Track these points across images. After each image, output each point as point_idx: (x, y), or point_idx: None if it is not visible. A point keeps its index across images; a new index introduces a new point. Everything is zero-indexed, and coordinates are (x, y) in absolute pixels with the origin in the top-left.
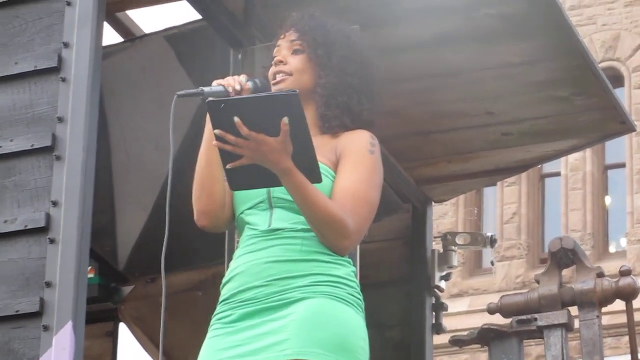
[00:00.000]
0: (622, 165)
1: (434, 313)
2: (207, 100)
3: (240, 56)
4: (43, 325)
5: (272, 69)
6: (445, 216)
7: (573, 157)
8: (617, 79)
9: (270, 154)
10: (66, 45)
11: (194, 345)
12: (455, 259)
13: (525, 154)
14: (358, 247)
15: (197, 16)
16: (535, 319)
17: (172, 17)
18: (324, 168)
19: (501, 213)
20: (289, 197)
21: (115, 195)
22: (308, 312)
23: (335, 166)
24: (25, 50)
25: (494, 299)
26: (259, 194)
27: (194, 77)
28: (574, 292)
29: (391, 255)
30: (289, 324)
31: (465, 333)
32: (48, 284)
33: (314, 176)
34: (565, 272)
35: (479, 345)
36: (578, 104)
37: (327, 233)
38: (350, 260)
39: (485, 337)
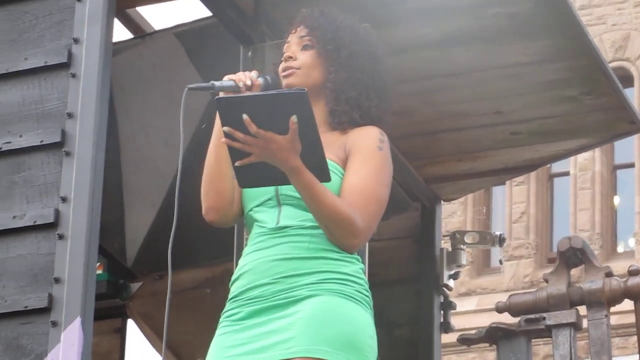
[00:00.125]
0: (631, 165)
1: (442, 312)
2: (215, 98)
3: (250, 53)
4: (51, 321)
5: (282, 65)
6: (454, 215)
7: (582, 157)
8: (627, 79)
9: (278, 152)
10: (76, 41)
11: (202, 343)
12: (464, 257)
13: (534, 154)
14: (367, 244)
15: (207, 13)
16: (544, 318)
17: (182, 14)
18: (333, 165)
19: (510, 212)
20: (297, 195)
21: (125, 191)
22: (315, 310)
23: (344, 163)
24: (35, 46)
25: (502, 298)
26: (268, 191)
27: (204, 74)
28: (582, 291)
29: (400, 254)
30: (296, 321)
31: (473, 332)
32: (57, 280)
33: (323, 175)
34: (574, 272)
35: (487, 344)
36: (587, 103)
37: (336, 231)
38: (359, 257)
39: (494, 336)
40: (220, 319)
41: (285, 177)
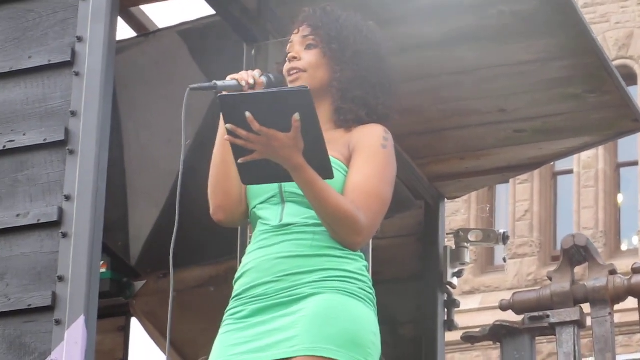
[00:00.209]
0: (635, 163)
1: (446, 310)
2: (218, 96)
3: (253, 51)
4: (55, 320)
5: (287, 66)
6: (457, 213)
7: (585, 155)
8: (630, 77)
9: (281, 149)
10: (80, 39)
11: (206, 341)
12: (468, 255)
13: (537, 152)
14: (370, 242)
15: (210, 11)
16: (548, 316)
17: (185, 13)
18: (337, 163)
19: (513, 210)
20: (300, 192)
21: (128, 190)
22: (318, 308)
23: (348, 161)
24: (39, 45)
25: (506, 296)
26: (271, 188)
27: (207, 72)
28: (586, 289)
29: (404, 252)
30: (300, 320)
31: (477, 330)
32: (60, 279)
33: (326, 172)
34: (578, 270)
35: (491, 342)
36: (591, 101)
37: (339, 229)
38: (362, 255)
39: (498, 333)
40: (224, 317)
41: (288, 174)
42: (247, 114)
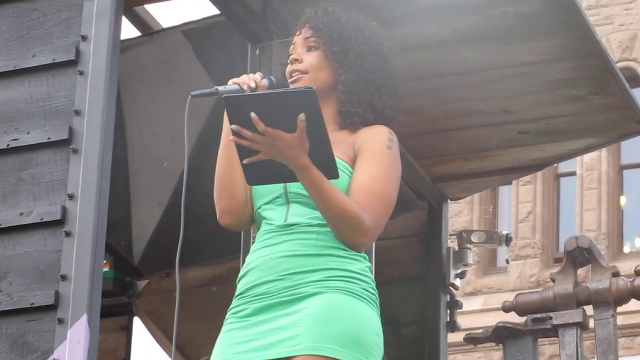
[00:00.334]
0: (638, 166)
1: (448, 311)
2: (224, 96)
3: (257, 51)
4: (58, 319)
5: (288, 68)
6: (460, 214)
7: (589, 157)
8: (634, 79)
9: (286, 150)
10: (84, 38)
11: (208, 340)
12: (471, 257)
13: (541, 153)
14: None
15: (215, 11)
16: (550, 318)
17: (190, 12)
18: (342, 164)
19: (516, 212)
20: (305, 192)
21: (131, 189)
22: (321, 308)
23: (353, 162)
24: (43, 43)
25: (508, 297)
26: (276, 189)
27: (211, 72)
28: (589, 291)
29: (406, 253)
30: (302, 319)
31: (479, 331)
32: (63, 277)
33: (331, 172)
34: (581, 272)
35: (494, 344)
36: (595, 103)
37: (344, 230)
38: (365, 255)
39: (500, 335)
40: (227, 316)
41: (293, 174)
42: (253, 114)
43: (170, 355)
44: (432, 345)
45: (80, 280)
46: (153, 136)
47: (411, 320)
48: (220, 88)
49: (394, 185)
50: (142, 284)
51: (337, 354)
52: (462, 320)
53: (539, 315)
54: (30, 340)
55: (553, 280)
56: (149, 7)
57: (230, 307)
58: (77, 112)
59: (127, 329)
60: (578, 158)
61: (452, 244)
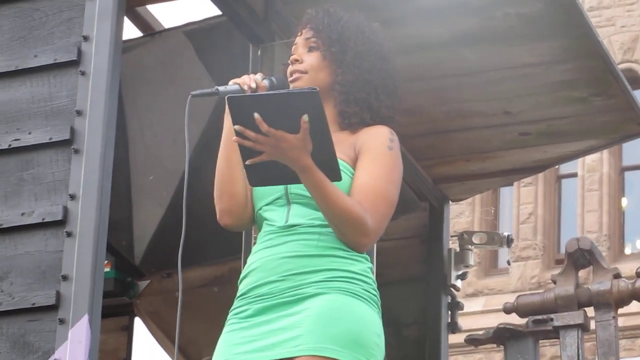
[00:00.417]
0: (639, 167)
1: (449, 312)
2: (227, 97)
3: (259, 52)
4: (59, 319)
5: (289, 68)
6: (461, 215)
7: (590, 158)
8: (636, 81)
9: (289, 151)
10: (86, 38)
11: (209, 341)
12: (472, 258)
13: (542, 155)
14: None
15: (217, 12)
16: (552, 319)
17: (192, 13)
18: (343, 165)
19: (517, 213)
20: (306, 193)
21: (133, 189)
22: (322, 308)
23: (354, 162)
24: (45, 43)
25: (509, 299)
26: (277, 190)
27: (213, 72)
28: (590, 293)
29: (408, 254)
30: (304, 319)
31: (480, 332)
32: (64, 277)
33: (334, 174)
34: (582, 273)
35: (495, 345)
36: (596, 105)
37: (346, 230)
38: (367, 256)
39: (501, 336)
40: (228, 317)
41: (295, 175)
42: (256, 115)
43: (171, 356)
44: (433, 346)
45: (82, 281)
46: (155, 136)
47: (412, 321)
48: (221, 88)
49: (395, 186)
50: (143, 284)
51: (338, 355)
52: (463, 322)
53: (540, 317)
54: (31, 341)
55: (554, 282)
56: (151, 8)
57: (232, 307)
58: (79, 113)
59: (128, 329)
60: (579, 159)
61: (454, 245)
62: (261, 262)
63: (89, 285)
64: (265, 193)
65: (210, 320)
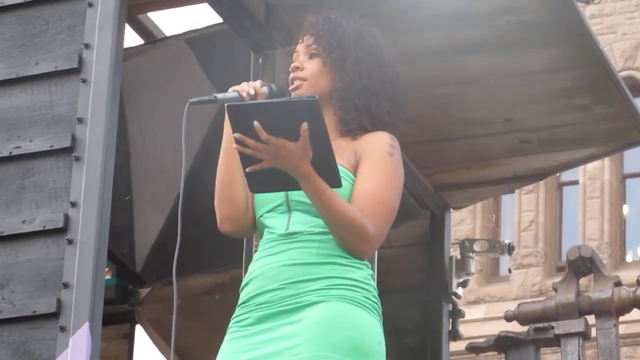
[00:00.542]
0: None
1: (450, 320)
2: (226, 105)
3: (260, 60)
4: (60, 326)
5: (290, 75)
6: (463, 223)
7: (591, 166)
8: (637, 88)
9: (289, 158)
10: (87, 46)
11: (211, 349)
12: (473, 265)
13: (543, 162)
14: (376, 251)
15: (218, 19)
16: (553, 327)
17: (193, 20)
18: (344, 171)
19: (519, 221)
20: (307, 201)
21: (134, 196)
22: (322, 316)
23: (354, 169)
24: (46, 51)
25: (511, 306)
26: (278, 197)
27: (214, 80)
28: (591, 300)
29: (409, 261)
30: (304, 328)
31: (482, 340)
32: (65, 285)
33: (334, 181)
34: (583, 281)
35: (496, 353)
36: (597, 112)
37: (347, 238)
38: (368, 263)
39: (502, 344)
40: (230, 325)
41: (296, 183)
42: (256, 123)
43: None
44: (434, 354)
45: (82, 288)
46: (156, 144)
47: (413, 329)
48: (219, 96)
49: (396, 192)
50: (144, 291)
51: None
52: (464, 329)
53: (541, 325)
54: (32, 348)
55: (555, 290)
56: (152, 15)
57: (233, 315)
58: (80, 120)
59: (129, 337)
60: (581, 167)
61: (455, 252)
62: (262, 270)
63: (90, 292)
64: (266, 200)
65: (212, 328)
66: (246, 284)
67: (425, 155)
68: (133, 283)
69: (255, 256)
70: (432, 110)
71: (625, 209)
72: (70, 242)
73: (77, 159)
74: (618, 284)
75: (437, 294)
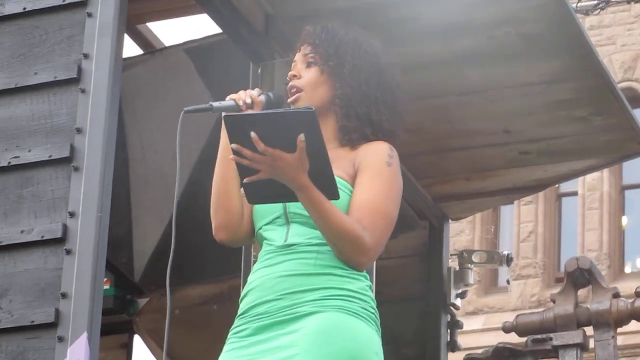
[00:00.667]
0: (639, 186)
1: (449, 330)
2: (223, 115)
3: (259, 70)
4: (58, 336)
5: (288, 84)
6: (461, 234)
7: (590, 177)
8: (636, 100)
9: (286, 169)
10: (86, 56)
11: (209, 359)
12: (472, 276)
13: (542, 174)
14: (374, 262)
15: (217, 30)
16: (551, 339)
17: (192, 30)
18: (342, 182)
19: (518, 231)
20: (305, 212)
21: (133, 206)
22: (319, 327)
23: (352, 179)
24: (45, 61)
25: (509, 317)
26: (276, 209)
27: (213, 90)
28: (589, 312)
29: (407, 272)
30: (301, 338)
31: (480, 351)
32: (64, 295)
33: (332, 192)
34: (581, 292)
35: None
36: (597, 124)
37: (345, 249)
38: (366, 274)
39: (500, 355)
40: (229, 335)
41: (294, 194)
42: (252, 134)
43: None
44: None
45: (81, 298)
46: (155, 153)
47: (412, 340)
48: (215, 104)
49: (394, 202)
50: (142, 301)
51: None
52: (463, 340)
53: (539, 336)
54: (30, 358)
55: (553, 301)
56: (151, 25)
57: (232, 326)
58: (79, 130)
59: (128, 347)
60: (580, 178)
61: (453, 263)
62: (260, 281)
63: (88, 302)
64: (265, 212)
65: (210, 338)
66: (245, 295)
67: (424, 166)
68: (131, 293)
69: (254, 267)
70: (431, 121)
71: (624, 220)
72: (68, 252)
73: (76, 169)
74: (616, 295)
75: (435, 304)
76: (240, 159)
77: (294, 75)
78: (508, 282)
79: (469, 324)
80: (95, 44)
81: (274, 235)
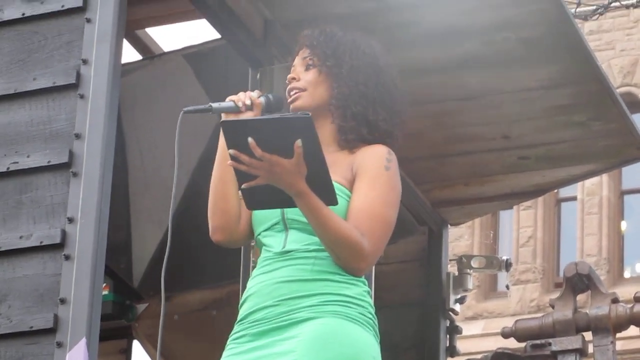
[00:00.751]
0: (639, 191)
1: (448, 336)
2: (221, 121)
3: (258, 75)
4: (57, 342)
5: (287, 87)
6: (460, 239)
7: (589, 182)
8: (635, 105)
9: (284, 175)
10: (85, 62)
11: None
12: (471, 282)
13: (541, 179)
14: (373, 267)
15: (216, 35)
16: (550, 344)
17: (191, 36)
18: (339, 188)
19: (517, 237)
20: (303, 219)
21: (132, 212)
22: (316, 332)
23: (351, 184)
24: (44, 67)
25: (509, 322)
26: (274, 215)
27: (212, 95)
28: (588, 317)
29: (406, 277)
30: (298, 344)
31: (479, 356)
32: (62, 301)
33: (329, 198)
34: (580, 297)
35: None
36: (595, 129)
37: (343, 255)
38: (364, 280)
39: None
40: (228, 341)
41: (292, 199)
42: (250, 139)
43: None
44: None
45: (80, 304)
46: (154, 159)
47: (411, 345)
48: (214, 105)
49: (392, 207)
50: (141, 307)
51: None
52: (462, 345)
53: (538, 342)
54: None
55: (552, 307)
56: (150, 31)
57: (231, 332)
58: (78, 136)
59: (127, 353)
60: (579, 183)
61: (452, 268)
62: (258, 287)
63: (87, 308)
64: (264, 218)
65: (209, 343)
66: (244, 301)
67: (423, 171)
68: (130, 298)
69: (253, 273)
70: (430, 126)
71: (624, 225)
72: (67, 257)
73: (75, 174)
74: (615, 300)
75: (434, 310)
76: (238, 165)
77: (293, 78)
78: (507, 287)
79: (468, 329)
80: (94, 50)
81: (272, 241)
